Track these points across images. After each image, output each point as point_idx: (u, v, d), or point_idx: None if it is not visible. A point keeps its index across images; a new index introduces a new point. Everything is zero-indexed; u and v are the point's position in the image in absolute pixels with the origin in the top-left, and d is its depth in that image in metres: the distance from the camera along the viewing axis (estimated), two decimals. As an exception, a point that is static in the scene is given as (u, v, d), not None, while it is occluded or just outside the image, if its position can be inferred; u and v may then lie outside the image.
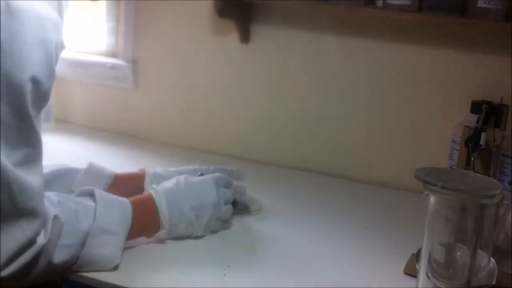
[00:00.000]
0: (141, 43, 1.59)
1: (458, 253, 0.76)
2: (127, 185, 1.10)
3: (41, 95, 0.77)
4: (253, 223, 1.12)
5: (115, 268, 0.90)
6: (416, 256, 0.93)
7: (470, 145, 1.00)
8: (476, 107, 1.15)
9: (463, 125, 1.07)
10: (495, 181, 0.76)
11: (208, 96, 1.54)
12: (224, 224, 1.07)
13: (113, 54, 1.64)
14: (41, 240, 0.79)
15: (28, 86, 0.75)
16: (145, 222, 0.97)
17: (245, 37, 1.45)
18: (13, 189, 0.75)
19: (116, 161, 1.36)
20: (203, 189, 1.02)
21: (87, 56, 1.66)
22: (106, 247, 0.88)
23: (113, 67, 1.61)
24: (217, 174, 1.06)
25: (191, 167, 1.16)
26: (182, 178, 1.03)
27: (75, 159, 1.12)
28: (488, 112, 1.10)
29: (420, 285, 0.78)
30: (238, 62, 1.49)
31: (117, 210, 0.92)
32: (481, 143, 1.02)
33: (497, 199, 0.88)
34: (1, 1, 0.73)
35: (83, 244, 0.85)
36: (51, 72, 0.78)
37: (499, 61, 1.25)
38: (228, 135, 1.54)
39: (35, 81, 0.76)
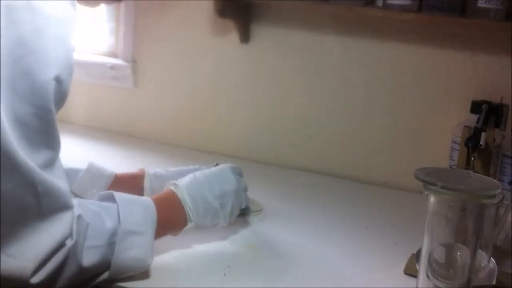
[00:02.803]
0: (141, 43, 1.59)
1: (458, 253, 0.76)
2: (127, 185, 1.10)
3: (62, 95, 0.76)
4: (253, 223, 1.12)
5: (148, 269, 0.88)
6: (416, 256, 0.93)
7: (470, 145, 1.00)
8: (476, 107, 1.15)
9: (463, 125, 1.07)
10: (495, 181, 0.76)
11: (208, 96, 1.54)
12: (242, 213, 1.06)
13: (113, 54, 1.64)
14: (68, 241, 0.77)
15: (52, 86, 0.74)
16: (170, 219, 0.94)
17: (245, 37, 1.45)
18: (39, 191, 0.73)
19: (116, 161, 1.36)
20: (222, 177, 1.01)
21: (87, 56, 1.66)
22: (136, 248, 0.85)
23: (113, 67, 1.61)
24: (230, 164, 1.06)
25: (191, 167, 1.16)
26: (197, 172, 1.01)
27: (74, 159, 1.12)
28: (488, 112, 1.10)
29: (420, 285, 0.78)
30: (238, 62, 1.49)
31: (140, 210, 0.89)
32: (481, 143, 1.02)
33: (497, 199, 0.88)
34: None
35: (110, 245, 0.83)
36: (71, 71, 0.77)
37: (499, 61, 1.25)
38: (228, 135, 1.54)
39: (58, 80, 0.74)
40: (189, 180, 0.98)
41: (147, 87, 1.61)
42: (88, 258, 0.80)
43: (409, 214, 1.19)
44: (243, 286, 0.89)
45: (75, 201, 0.83)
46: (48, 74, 0.73)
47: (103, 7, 1.62)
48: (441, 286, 0.76)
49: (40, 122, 0.74)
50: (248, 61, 1.48)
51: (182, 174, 1.07)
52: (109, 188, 1.08)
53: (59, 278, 0.77)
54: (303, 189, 1.34)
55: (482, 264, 0.90)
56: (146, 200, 0.92)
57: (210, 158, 1.44)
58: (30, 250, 0.73)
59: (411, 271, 0.95)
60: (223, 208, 0.99)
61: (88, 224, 0.81)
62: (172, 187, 0.97)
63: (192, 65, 1.54)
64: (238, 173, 1.05)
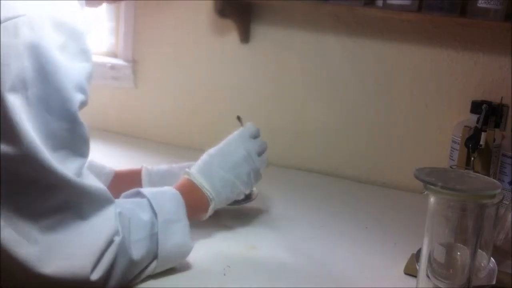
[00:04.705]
0: (141, 43, 1.59)
1: (458, 253, 0.76)
2: (127, 181, 1.10)
3: (84, 104, 0.80)
4: (253, 223, 1.12)
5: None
6: (416, 256, 0.93)
7: (470, 145, 1.00)
8: (476, 107, 1.14)
9: (463, 125, 1.07)
10: (495, 181, 0.76)
11: (208, 96, 1.54)
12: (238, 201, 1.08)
13: (113, 54, 1.64)
14: (116, 238, 0.80)
15: (79, 98, 0.78)
16: (193, 204, 0.97)
17: (245, 37, 1.45)
18: (80, 199, 0.78)
19: (116, 161, 1.35)
20: (229, 149, 1.05)
21: (87, 56, 1.65)
22: (177, 235, 0.89)
23: (113, 67, 1.61)
24: (241, 129, 1.09)
25: (192, 162, 1.15)
26: (210, 150, 1.05)
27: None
28: (488, 112, 1.10)
29: (420, 285, 0.78)
30: (238, 62, 1.49)
31: (169, 199, 0.92)
32: (481, 143, 1.02)
33: (497, 199, 0.88)
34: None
35: (152, 236, 0.85)
36: (91, 79, 0.81)
37: (498, 61, 1.25)
38: (228, 134, 1.53)
39: (83, 91, 0.79)
40: (199, 163, 1.02)
41: (147, 87, 1.61)
42: (136, 252, 0.83)
43: (409, 214, 1.19)
44: (243, 286, 0.89)
45: None
46: (74, 87, 0.77)
47: (103, 6, 1.62)
48: (441, 286, 0.76)
49: (71, 134, 0.78)
50: (248, 61, 1.48)
51: (183, 169, 1.07)
52: (109, 185, 1.08)
53: (114, 274, 0.80)
54: (303, 189, 1.34)
55: (482, 264, 0.90)
56: (171, 189, 0.95)
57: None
58: (84, 249, 0.77)
59: (411, 271, 0.95)
60: (238, 178, 1.02)
61: (130, 219, 0.84)
62: (185, 175, 1.01)
63: (192, 65, 1.54)
64: (249, 137, 1.08)
